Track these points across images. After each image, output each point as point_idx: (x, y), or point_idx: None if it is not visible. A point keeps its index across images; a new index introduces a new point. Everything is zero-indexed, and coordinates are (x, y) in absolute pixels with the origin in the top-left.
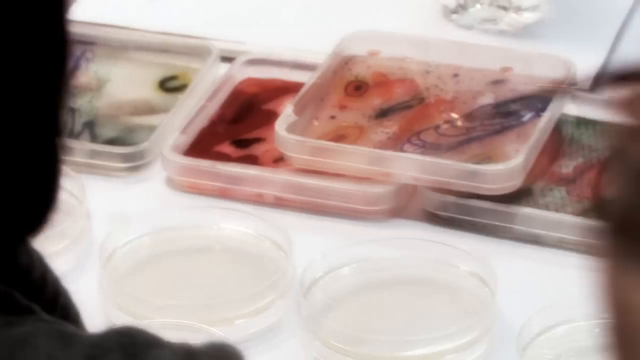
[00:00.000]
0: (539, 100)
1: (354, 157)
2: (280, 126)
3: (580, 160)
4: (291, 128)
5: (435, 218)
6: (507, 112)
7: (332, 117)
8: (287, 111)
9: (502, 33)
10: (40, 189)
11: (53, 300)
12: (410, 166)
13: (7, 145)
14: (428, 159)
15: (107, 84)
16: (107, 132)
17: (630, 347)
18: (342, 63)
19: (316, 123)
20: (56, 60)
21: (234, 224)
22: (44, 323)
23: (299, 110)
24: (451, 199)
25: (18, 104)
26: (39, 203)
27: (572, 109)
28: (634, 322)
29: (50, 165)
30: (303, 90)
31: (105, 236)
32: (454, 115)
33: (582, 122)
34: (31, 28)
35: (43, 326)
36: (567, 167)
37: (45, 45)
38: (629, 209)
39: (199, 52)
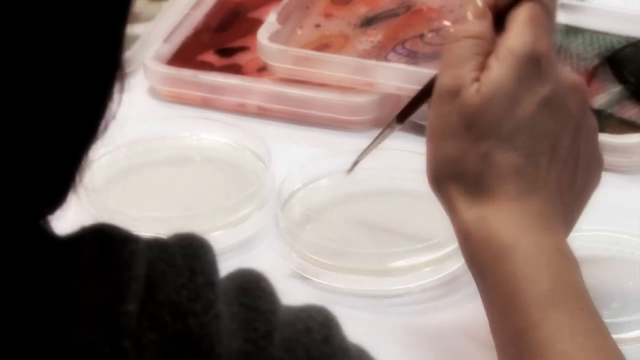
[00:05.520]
0: None
1: (337, 66)
2: (262, 35)
3: (567, 69)
4: (274, 37)
5: (419, 128)
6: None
7: (317, 26)
8: (270, 19)
9: None
10: (65, 172)
11: None
12: (394, 75)
13: (38, 133)
14: (412, 68)
15: None
16: None
17: None
18: None
19: (299, 32)
20: (106, 59)
21: (215, 134)
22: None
23: (283, 18)
24: None
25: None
26: (61, 186)
27: (562, 17)
28: None
29: (77, 152)
30: None
31: None
32: (446, 23)
33: (570, 31)
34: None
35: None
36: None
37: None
38: None
39: None
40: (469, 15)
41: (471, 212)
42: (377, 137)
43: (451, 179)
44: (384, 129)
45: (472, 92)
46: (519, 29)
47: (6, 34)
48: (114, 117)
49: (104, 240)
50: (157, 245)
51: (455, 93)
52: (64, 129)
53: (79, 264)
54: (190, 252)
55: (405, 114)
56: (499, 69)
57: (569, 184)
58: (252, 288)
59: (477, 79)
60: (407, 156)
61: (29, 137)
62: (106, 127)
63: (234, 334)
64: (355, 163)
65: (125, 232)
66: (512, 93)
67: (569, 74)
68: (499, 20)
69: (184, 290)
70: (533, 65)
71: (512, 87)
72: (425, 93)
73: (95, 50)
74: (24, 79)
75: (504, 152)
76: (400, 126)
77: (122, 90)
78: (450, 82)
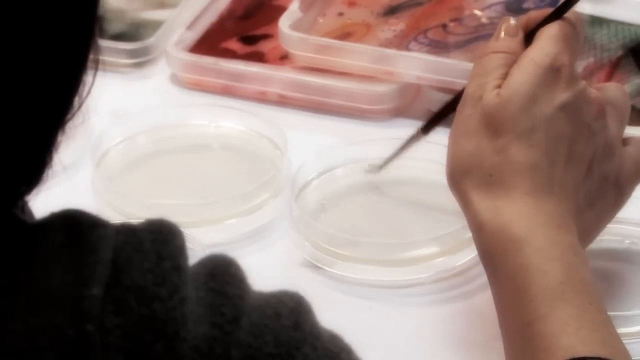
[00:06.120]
0: None
1: (357, 55)
2: (284, 23)
3: (591, 59)
4: (296, 25)
5: None
6: (518, 10)
7: (340, 14)
8: (292, 7)
9: None
10: (39, 149)
11: None
12: (414, 65)
13: (11, 110)
14: (432, 57)
15: None
16: (115, 26)
17: None
18: None
19: (321, 20)
20: (79, 37)
21: (232, 122)
22: None
23: (306, 6)
24: None
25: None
26: (37, 163)
27: (586, 7)
28: None
29: (51, 128)
30: None
31: (100, 134)
32: (477, 12)
33: (595, 21)
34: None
35: None
36: (577, 66)
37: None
38: None
39: None
40: (502, 32)
41: (485, 203)
42: (401, 147)
43: (466, 173)
44: (409, 139)
45: (492, 95)
46: (543, 43)
47: None
48: (89, 93)
49: (71, 225)
50: (125, 231)
51: (478, 98)
52: (38, 105)
53: (45, 248)
54: (158, 238)
55: (430, 124)
56: (519, 75)
57: (585, 192)
58: (221, 273)
59: (499, 86)
60: (423, 146)
61: (2, 113)
62: (81, 105)
63: (201, 319)
64: (378, 169)
65: (94, 217)
66: (531, 94)
67: (590, 89)
68: (530, 37)
69: (149, 274)
70: (553, 74)
71: (531, 89)
72: (451, 105)
73: (68, 25)
74: None
75: (520, 147)
76: (425, 136)
77: (97, 66)
78: (474, 88)
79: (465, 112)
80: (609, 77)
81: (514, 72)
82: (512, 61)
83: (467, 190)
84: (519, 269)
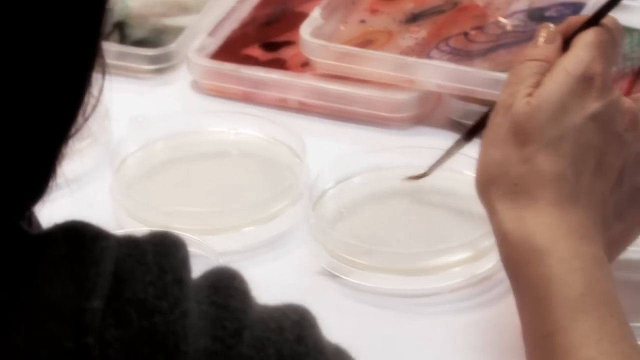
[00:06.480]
0: (573, 7)
1: (378, 63)
2: (305, 30)
3: (613, 69)
4: (317, 32)
5: (459, 126)
6: (540, 18)
7: (362, 22)
8: (313, 14)
9: None
10: (43, 162)
11: None
12: (435, 73)
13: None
14: (452, 66)
15: None
16: (137, 32)
17: None
18: None
19: (342, 28)
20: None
21: (252, 129)
22: None
23: (327, 13)
24: (475, 107)
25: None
26: (41, 176)
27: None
28: None
29: (55, 141)
30: None
31: (119, 140)
32: (501, 20)
33: None
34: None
35: None
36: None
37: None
38: None
39: None
40: (540, 39)
41: (509, 213)
42: (443, 155)
43: (493, 181)
44: (452, 146)
45: (522, 103)
46: (577, 50)
47: None
48: (96, 104)
49: (74, 236)
50: (128, 243)
51: (508, 106)
52: (42, 118)
53: (47, 260)
54: (161, 250)
55: (473, 131)
56: (550, 83)
57: (614, 203)
58: (224, 286)
59: (530, 95)
60: (440, 154)
61: (6, 126)
62: (87, 117)
63: (202, 332)
64: (418, 177)
65: (97, 229)
66: (561, 102)
67: (624, 99)
68: (569, 44)
69: (151, 287)
70: (585, 83)
71: (561, 98)
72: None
73: (72, 37)
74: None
75: (546, 156)
76: (468, 143)
77: (104, 78)
78: (506, 97)
79: (495, 121)
80: (631, 86)
81: (546, 80)
82: (547, 69)
83: (493, 198)
84: (540, 280)
